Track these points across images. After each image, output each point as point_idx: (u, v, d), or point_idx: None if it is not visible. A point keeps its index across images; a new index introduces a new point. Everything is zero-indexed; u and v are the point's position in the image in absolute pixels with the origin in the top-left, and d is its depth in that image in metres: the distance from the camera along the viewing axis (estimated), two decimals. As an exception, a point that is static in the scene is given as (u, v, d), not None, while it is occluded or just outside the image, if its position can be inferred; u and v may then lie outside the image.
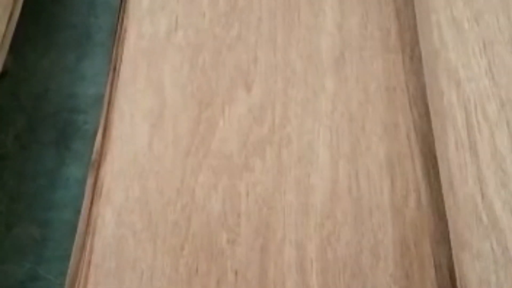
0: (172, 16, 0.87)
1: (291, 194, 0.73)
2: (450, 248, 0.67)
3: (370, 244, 0.70)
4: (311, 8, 0.88)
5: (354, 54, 0.84)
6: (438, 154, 0.71)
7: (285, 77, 0.82)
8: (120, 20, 0.88)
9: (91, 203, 0.73)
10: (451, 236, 0.66)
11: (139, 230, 0.71)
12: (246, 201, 0.73)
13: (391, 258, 0.69)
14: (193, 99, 0.80)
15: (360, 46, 0.84)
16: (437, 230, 0.71)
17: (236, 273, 0.68)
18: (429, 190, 0.74)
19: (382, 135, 0.78)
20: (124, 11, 0.88)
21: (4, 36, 0.87)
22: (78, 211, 0.79)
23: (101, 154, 0.76)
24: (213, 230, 0.71)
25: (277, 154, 0.76)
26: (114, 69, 0.83)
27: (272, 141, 0.77)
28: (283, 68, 0.82)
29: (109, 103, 0.80)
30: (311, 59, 0.83)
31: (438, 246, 0.70)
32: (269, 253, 0.70)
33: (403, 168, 0.75)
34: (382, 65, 0.83)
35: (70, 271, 0.70)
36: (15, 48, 0.93)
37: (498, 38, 0.69)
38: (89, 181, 0.75)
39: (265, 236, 0.71)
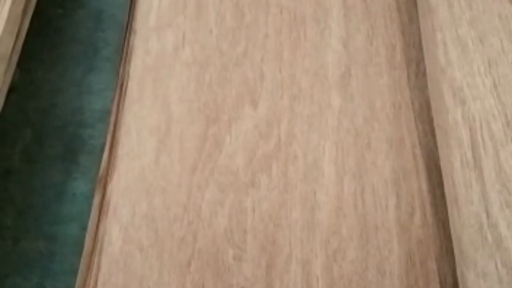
0: (179, 32, 0.87)
1: (297, 211, 0.74)
2: (455, 265, 0.67)
3: (375, 260, 0.71)
4: (317, 25, 0.88)
5: (359, 71, 0.84)
6: (443, 171, 0.72)
7: (291, 93, 0.82)
8: (127, 36, 0.88)
9: (98, 219, 0.74)
10: (456, 254, 0.66)
11: (146, 247, 0.71)
12: (252, 218, 0.73)
13: (397, 275, 0.70)
14: (199, 116, 0.80)
15: (365, 63, 0.85)
16: (443, 247, 0.72)
17: (242, 290, 0.69)
18: (435, 207, 0.74)
19: (388, 151, 0.78)
20: (131, 27, 0.88)
21: (12, 51, 0.87)
22: (84, 226, 0.80)
23: (108, 170, 0.77)
24: (220, 246, 0.71)
25: (283, 171, 0.76)
26: (121, 85, 0.83)
27: (278, 158, 0.77)
28: (289, 85, 0.83)
29: (116, 119, 0.81)
30: (317, 76, 0.84)
31: (444, 263, 0.71)
32: (275, 270, 0.70)
33: (409, 184, 0.76)
34: (387, 81, 0.83)
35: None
36: (22, 62, 0.93)
37: (502, 59, 0.70)
38: (96, 198, 0.76)
39: (271, 253, 0.71)
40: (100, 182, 0.77)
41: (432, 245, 0.72)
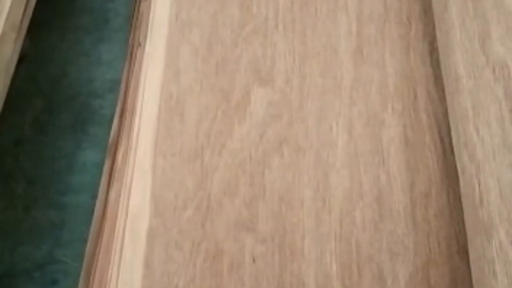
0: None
1: (310, 192, 0.72)
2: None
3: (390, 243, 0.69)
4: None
5: (373, 49, 0.82)
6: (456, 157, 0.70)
7: (302, 72, 0.81)
8: (137, 5, 0.88)
9: (108, 187, 0.74)
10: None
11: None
12: (264, 199, 0.72)
13: (411, 258, 0.68)
14: (211, 87, 0.79)
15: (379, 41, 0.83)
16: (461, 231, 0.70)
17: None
18: (452, 191, 0.72)
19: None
20: (141, -3, 0.88)
21: (22, 20, 0.87)
22: (94, 195, 0.80)
23: (118, 139, 0.76)
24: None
25: (295, 151, 0.75)
26: (131, 54, 0.83)
27: (289, 138, 0.76)
28: (301, 63, 0.81)
29: (126, 89, 0.80)
30: (328, 53, 0.82)
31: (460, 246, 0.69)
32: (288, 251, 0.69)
33: (425, 166, 0.74)
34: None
35: (86, 255, 0.71)
36: (32, 32, 0.93)
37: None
38: (106, 166, 0.75)
39: (284, 235, 0.69)
40: (110, 149, 0.76)
41: (448, 229, 0.70)
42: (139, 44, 0.83)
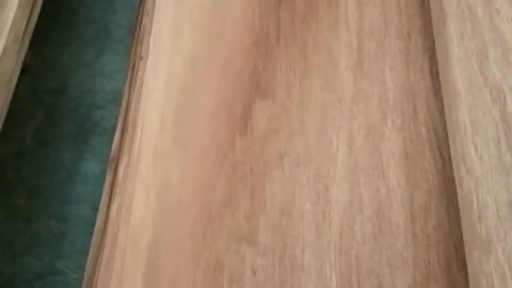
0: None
1: (310, 206, 0.72)
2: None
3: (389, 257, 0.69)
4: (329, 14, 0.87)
5: (373, 63, 0.83)
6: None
7: (303, 86, 0.81)
8: (139, 18, 0.88)
9: (109, 200, 0.74)
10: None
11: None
12: (264, 212, 0.72)
13: (411, 271, 0.69)
14: (212, 103, 0.79)
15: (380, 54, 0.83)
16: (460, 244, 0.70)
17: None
18: (451, 205, 0.73)
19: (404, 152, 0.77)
20: (143, 9, 0.88)
21: (24, 32, 0.88)
22: (95, 206, 0.81)
23: (119, 153, 0.77)
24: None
25: (296, 164, 0.75)
26: (133, 67, 0.83)
27: (290, 151, 0.76)
28: (301, 77, 0.82)
29: (128, 102, 0.80)
30: (329, 68, 0.82)
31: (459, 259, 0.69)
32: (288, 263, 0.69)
33: (425, 180, 0.74)
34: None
35: (87, 268, 0.71)
36: (34, 44, 0.94)
37: None
38: (108, 179, 0.76)
39: (284, 248, 0.70)
40: (111, 163, 0.77)
41: (446, 242, 0.70)
42: (141, 58, 0.83)
